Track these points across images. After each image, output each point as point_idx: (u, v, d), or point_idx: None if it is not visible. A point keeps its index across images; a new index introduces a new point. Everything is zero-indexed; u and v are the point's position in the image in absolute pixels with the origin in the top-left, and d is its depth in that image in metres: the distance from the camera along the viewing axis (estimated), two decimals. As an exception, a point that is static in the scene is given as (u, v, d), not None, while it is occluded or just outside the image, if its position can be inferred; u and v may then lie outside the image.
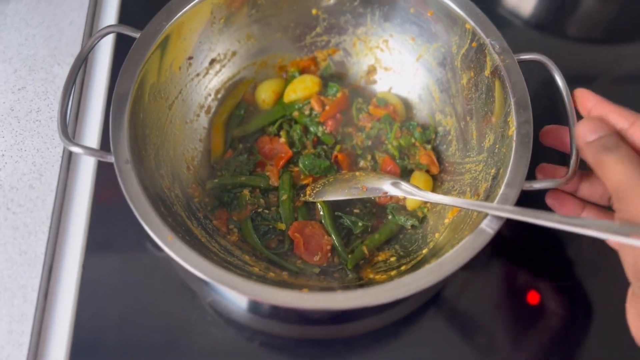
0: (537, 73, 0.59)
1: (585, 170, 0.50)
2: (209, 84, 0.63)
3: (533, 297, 0.59)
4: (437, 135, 0.63)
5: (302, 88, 0.63)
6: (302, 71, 0.66)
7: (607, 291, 0.59)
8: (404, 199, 0.60)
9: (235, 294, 0.57)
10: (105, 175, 0.63)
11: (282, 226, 0.57)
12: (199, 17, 0.58)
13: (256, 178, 0.60)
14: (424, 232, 0.58)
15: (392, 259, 0.56)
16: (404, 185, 0.54)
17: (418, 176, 0.60)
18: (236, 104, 0.64)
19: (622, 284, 0.44)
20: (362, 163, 0.62)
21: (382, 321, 0.57)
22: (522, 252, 0.61)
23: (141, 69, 0.54)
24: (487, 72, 0.56)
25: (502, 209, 0.47)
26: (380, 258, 0.57)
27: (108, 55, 0.70)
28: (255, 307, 0.58)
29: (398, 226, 0.59)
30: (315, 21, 0.64)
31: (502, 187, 0.49)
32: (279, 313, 0.58)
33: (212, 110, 0.63)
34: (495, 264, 0.61)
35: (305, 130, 0.63)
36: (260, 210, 0.58)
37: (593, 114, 0.48)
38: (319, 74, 0.66)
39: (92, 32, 0.73)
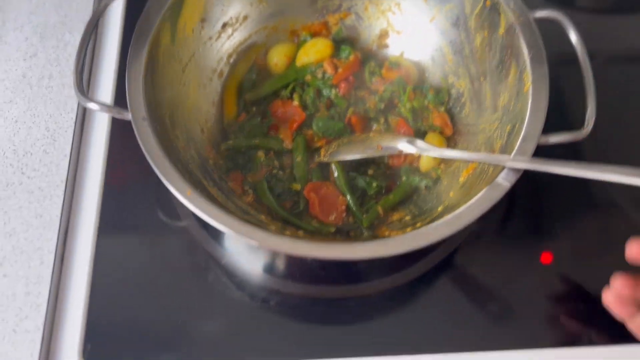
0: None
1: None
2: (221, 48, 0.63)
3: (546, 258, 0.59)
4: (451, 97, 0.63)
5: (314, 51, 0.63)
6: (314, 35, 0.65)
7: (620, 250, 0.59)
8: (418, 160, 0.60)
9: (254, 247, 0.57)
10: (118, 141, 0.63)
11: (297, 186, 0.57)
12: (211, -22, 0.58)
13: (270, 140, 0.60)
14: (438, 192, 0.58)
15: (407, 217, 0.56)
16: (419, 142, 0.54)
17: (432, 137, 0.60)
18: (248, 68, 0.64)
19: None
20: (375, 127, 0.62)
21: (396, 281, 0.58)
22: (534, 214, 0.61)
23: (154, 30, 0.54)
24: (501, 31, 0.56)
25: (519, 160, 0.47)
26: (394, 217, 0.57)
27: (119, 16, 0.70)
28: (270, 267, 0.58)
29: (412, 187, 0.59)
30: (326, -17, 0.64)
31: (519, 141, 0.49)
32: (293, 273, 0.58)
33: (225, 74, 0.63)
34: (507, 226, 0.61)
35: (318, 93, 0.62)
36: (274, 171, 0.58)
37: None
38: (331, 38, 0.66)
39: None
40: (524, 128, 0.50)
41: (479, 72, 0.60)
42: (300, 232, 0.54)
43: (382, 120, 0.62)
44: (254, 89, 0.63)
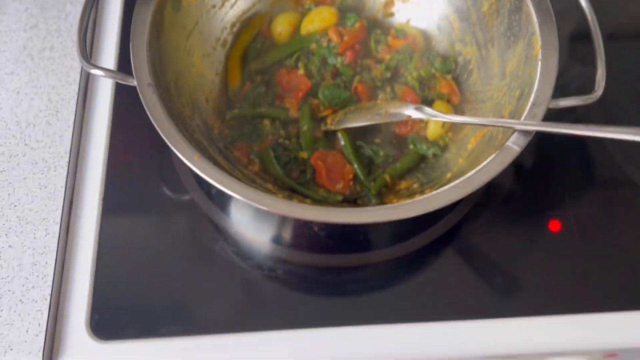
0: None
1: None
2: (225, 17, 0.62)
3: (554, 225, 0.59)
4: (457, 65, 0.62)
5: (319, 19, 0.62)
6: (319, 4, 0.64)
7: (629, 217, 0.59)
8: (425, 129, 0.59)
9: (260, 218, 0.57)
10: (121, 112, 0.62)
11: (304, 155, 0.57)
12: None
13: (276, 109, 0.59)
14: (447, 160, 0.57)
15: (415, 185, 0.56)
16: (427, 108, 0.53)
17: (439, 105, 0.59)
18: (252, 38, 0.63)
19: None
20: (381, 95, 0.61)
21: (403, 251, 0.57)
22: (542, 182, 0.61)
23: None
24: (509, -4, 0.55)
25: (529, 123, 0.46)
26: (402, 186, 0.56)
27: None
28: (276, 237, 0.58)
29: (419, 156, 0.58)
30: (331, -50, 0.63)
31: (528, 106, 0.49)
32: (300, 243, 0.58)
33: (229, 43, 0.63)
34: (515, 194, 0.60)
35: (324, 61, 0.62)
36: (281, 140, 0.58)
37: None
38: (336, 6, 0.65)
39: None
40: (533, 92, 0.49)
41: (487, 39, 0.59)
42: (308, 201, 0.54)
43: (388, 89, 0.61)
44: (259, 58, 0.63)
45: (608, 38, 0.57)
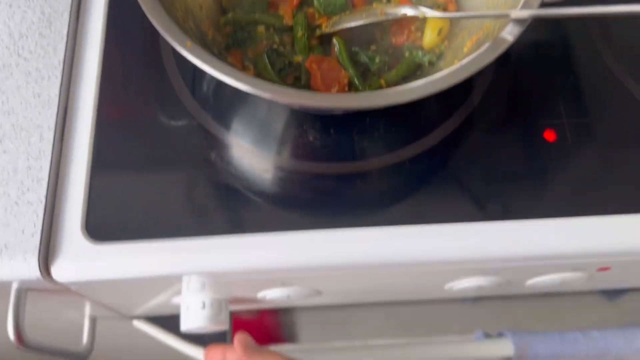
0: None
1: None
2: None
3: (549, 135, 0.59)
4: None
5: None
6: None
7: (624, 126, 0.59)
8: (421, 38, 0.59)
9: (257, 123, 0.57)
10: (115, 25, 0.62)
11: (299, 58, 0.56)
12: None
13: (270, 16, 0.58)
14: (442, 68, 0.57)
15: (410, 90, 0.55)
16: (423, 7, 0.53)
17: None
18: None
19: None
20: (376, 4, 0.60)
21: (400, 157, 0.57)
22: (536, 90, 0.61)
23: None
24: None
25: (524, 9, 0.46)
26: (397, 92, 0.56)
27: None
28: (279, 149, 0.57)
29: (415, 63, 0.58)
30: None
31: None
32: (298, 153, 0.57)
33: (223, -51, 0.62)
34: (509, 103, 0.60)
35: (319, -31, 0.61)
36: (275, 46, 0.58)
37: None
38: None
39: None
40: (529, -15, 0.49)
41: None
42: None
43: (384, -1, 0.61)
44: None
45: None
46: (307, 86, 0.56)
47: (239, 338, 0.53)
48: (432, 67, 0.58)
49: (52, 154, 0.55)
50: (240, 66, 0.56)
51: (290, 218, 0.54)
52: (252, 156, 0.57)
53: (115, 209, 0.54)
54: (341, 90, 0.56)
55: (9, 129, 0.56)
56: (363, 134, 0.58)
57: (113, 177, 0.55)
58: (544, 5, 0.46)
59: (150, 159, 0.56)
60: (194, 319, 0.59)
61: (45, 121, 0.57)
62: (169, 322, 0.69)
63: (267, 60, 0.56)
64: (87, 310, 0.73)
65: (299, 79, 0.57)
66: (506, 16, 0.47)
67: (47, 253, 0.52)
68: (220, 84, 0.60)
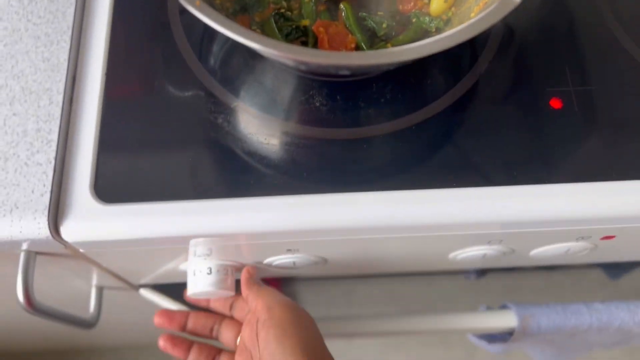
0: None
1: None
2: None
3: (555, 103, 0.59)
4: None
5: None
6: None
7: (630, 93, 0.59)
8: (428, 6, 0.59)
9: (264, 88, 0.58)
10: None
11: (306, 22, 0.57)
12: None
13: (278, -18, 0.59)
14: (449, 34, 0.57)
15: (417, 55, 0.55)
16: (431, -29, 0.53)
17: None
18: None
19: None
20: (384, -27, 0.60)
21: (405, 124, 0.58)
22: (542, 58, 0.61)
23: None
24: None
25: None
26: (404, 58, 0.56)
27: None
28: (286, 115, 0.58)
29: (422, 29, 0.58)
30: None
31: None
32: (305, 118, 0.58)
33: None
34: (514, 71, 0.60)
35: None
36: (282, 11, 0.58)
37: None
38: None
39: None
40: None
41: None
42: None
43: (392, -33, 0.61)
44: None
45: None
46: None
47: (247, 269, 0.58)
48: (439, 33, 0.58)
49: (62, 117, 0.56)
50: (247, 31, 0.57)
51: (296, 182, 0.55)
52: (259, 122, 0.58)
53: (123, 172, 0.54)
54: (348, 54, 0.56)
55: (19, 92, 0.57)
56: (369, 101, 0.59)
57: (121, 140, 0.56)
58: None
59: (159, 123, 0.57)
60: (200, 284, 0.59)
61: (54, 85, 0.57)
62: (175, 292, 0.70)
63: (274, 25, 0.56)
64: (94, 279, 0.74)
65: (305, 44, 0.57)
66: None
67: (56, 213, 0.53)
68: (227, 49, 0.61)
